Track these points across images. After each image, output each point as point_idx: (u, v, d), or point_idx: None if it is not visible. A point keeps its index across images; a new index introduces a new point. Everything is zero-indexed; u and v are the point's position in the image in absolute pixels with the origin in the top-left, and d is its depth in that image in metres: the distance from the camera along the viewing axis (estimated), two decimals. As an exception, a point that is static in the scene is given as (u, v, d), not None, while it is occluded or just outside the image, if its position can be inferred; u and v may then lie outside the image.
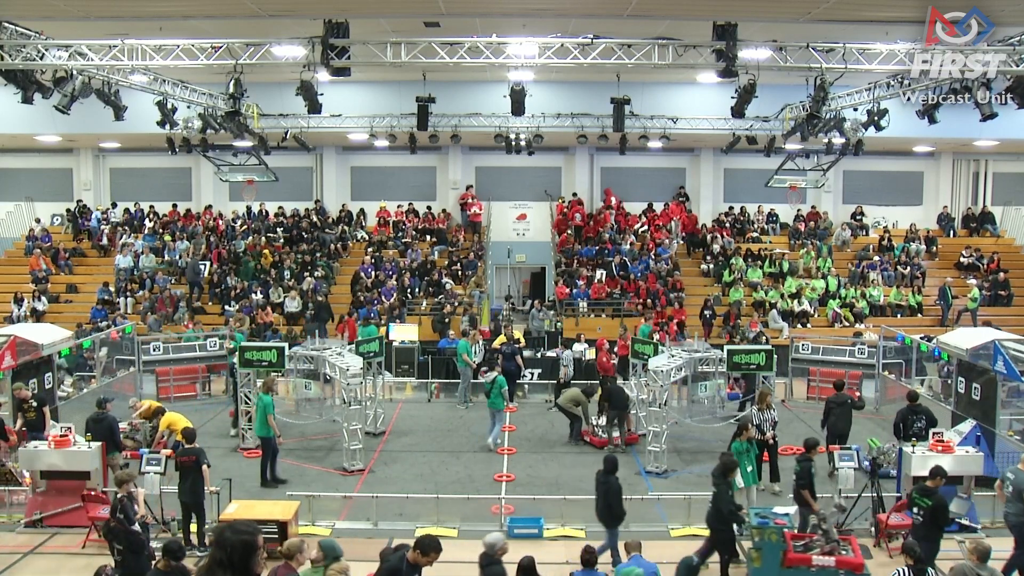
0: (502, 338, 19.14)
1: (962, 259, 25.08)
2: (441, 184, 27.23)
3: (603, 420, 15.68)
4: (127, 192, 27.26)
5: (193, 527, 10.72)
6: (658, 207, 26.88)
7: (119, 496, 9.38)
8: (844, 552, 9.16)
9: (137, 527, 9.15)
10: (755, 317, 21.92)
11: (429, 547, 7.13)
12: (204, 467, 10.66)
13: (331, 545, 7.84)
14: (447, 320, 21.52)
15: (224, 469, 12.92)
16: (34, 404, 13.15)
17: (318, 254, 24.76)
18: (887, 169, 26.91)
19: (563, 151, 26.59)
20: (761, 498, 12.11)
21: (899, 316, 22.70)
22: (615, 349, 19.34)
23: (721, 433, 15.33)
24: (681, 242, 25.98)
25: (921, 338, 17.83)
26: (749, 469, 11.47)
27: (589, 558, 8.11)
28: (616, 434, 15.38)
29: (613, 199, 26.76)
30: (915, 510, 9.58)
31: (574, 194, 26.64)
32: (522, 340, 19.98)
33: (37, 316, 21.51)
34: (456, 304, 22.20)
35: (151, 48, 14.34)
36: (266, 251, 24.60)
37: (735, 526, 9.87)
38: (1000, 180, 27.35)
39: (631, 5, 14.81)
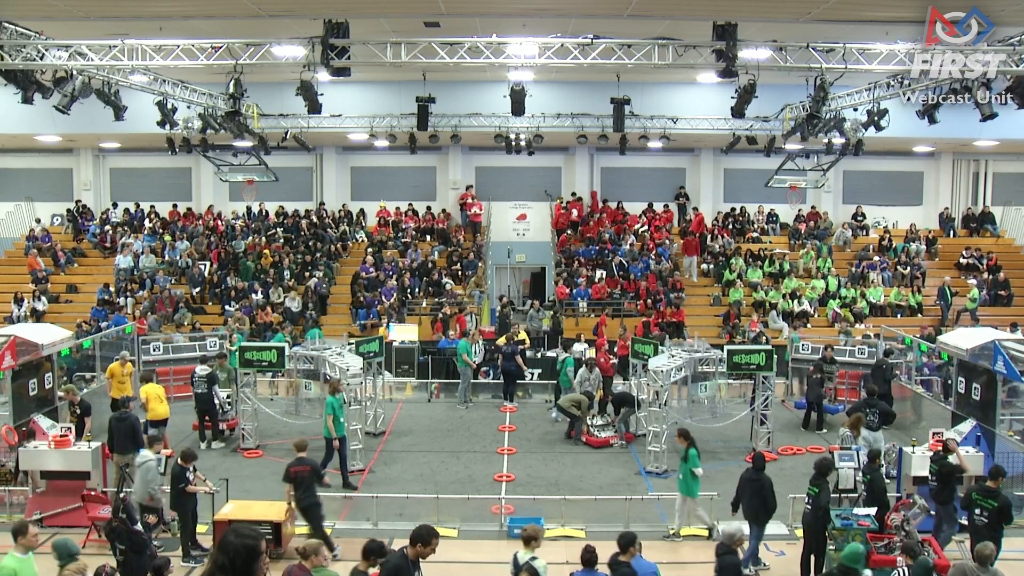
0: (504, 338, 19.14)
1: (962, 259, 25.08)
2: (441, 184, 27.22)
3: (600, 420, 15.73)
4: (127, 192, 27.25)
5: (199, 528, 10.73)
6: (658, 207, 26.90)
7: (121, 495, 9.40)
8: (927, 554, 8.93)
9: (139, 527, 9.18)
10: (755, 317, 21.93)
11: (429, 535, 7.03)
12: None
13: (64, 544, 7.61)
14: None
15: (224, 469, 12.94)
16: (78, 411, 13.08)
17: (318, 254, 24.76)
18: (887, 169, 26.90)
19: (563, 151, 26.58)
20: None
21: (899, 316, 22.69)
22: (615, 349, 19.34)
23: (721, 433, 15.35)
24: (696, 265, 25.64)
25: (920, 338, 17.84)
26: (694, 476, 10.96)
27: (589, 557, 8.08)
28: (627, 430, 15.56)
29: (599, 202, 26.73)
30: (977, 511, 9.42)
31: (573, 193, 26.65)
32: (527, 340, 19.97)
33: (37, 316, 21.50)
34: (454, 303, 22.19)
35: (151, 48, 14.33)
36: (266, 251, 24.60)
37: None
38: (1000, 180, 27.34)
39: (631, 5, 14.82)
